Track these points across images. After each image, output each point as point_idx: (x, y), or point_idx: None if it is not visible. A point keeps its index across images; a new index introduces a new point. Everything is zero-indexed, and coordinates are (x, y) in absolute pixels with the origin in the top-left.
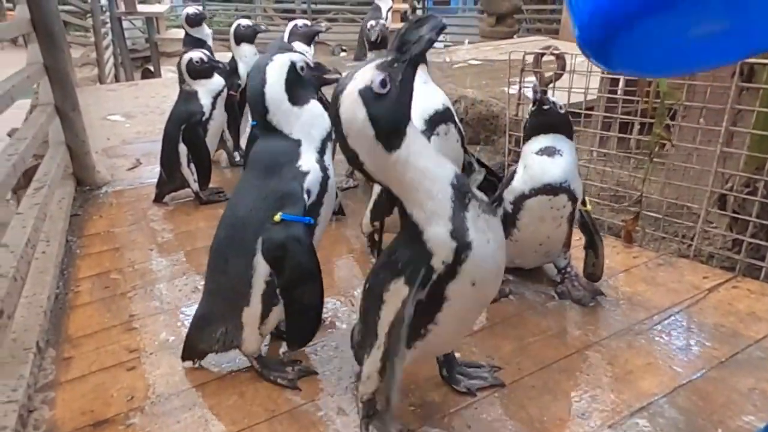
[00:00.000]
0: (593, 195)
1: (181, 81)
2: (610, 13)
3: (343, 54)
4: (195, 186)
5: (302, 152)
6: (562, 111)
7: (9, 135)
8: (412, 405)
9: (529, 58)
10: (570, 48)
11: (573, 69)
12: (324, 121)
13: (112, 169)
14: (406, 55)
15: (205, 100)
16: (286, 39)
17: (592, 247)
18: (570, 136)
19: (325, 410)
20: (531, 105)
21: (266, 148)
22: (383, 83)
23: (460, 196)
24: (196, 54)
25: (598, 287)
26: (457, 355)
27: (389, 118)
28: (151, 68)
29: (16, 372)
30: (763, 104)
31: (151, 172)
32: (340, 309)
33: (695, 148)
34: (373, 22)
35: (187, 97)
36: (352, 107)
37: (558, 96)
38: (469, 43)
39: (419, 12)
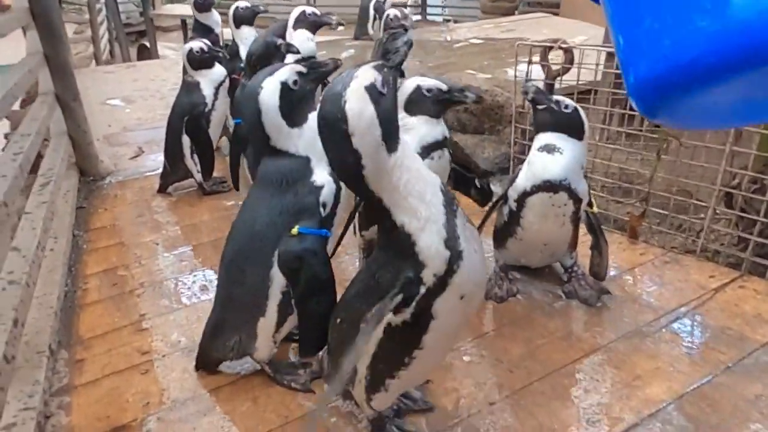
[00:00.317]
0: (597, 187)
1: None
2: (666, 80)
3: (341, 28)
4: (198, 177)
5: (313, 167)
6: (568, 110)
7: (8, 118)
8: (424, 412)
9: (535, 49)
10: (572, 27)
11: (581, 63)
12: None
13: (115, 158)
14: (390, 62)
15: (207, 91)
16: (291, 24)
17: (597, 248)
18: (576, 135)
19: (338, 417)
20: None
21: (277, 168)
22: (384, 83)
23: (449, 201)
24: (196, 44)
25: (604, 286)
26: None
27: (391, 119)
28: (147, 44)
29: (32, 377)
30: None
31: (154, 161)
32: None
33: (704, 146)
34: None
35: (189, 88)
36: (360, 104)
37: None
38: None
39: None
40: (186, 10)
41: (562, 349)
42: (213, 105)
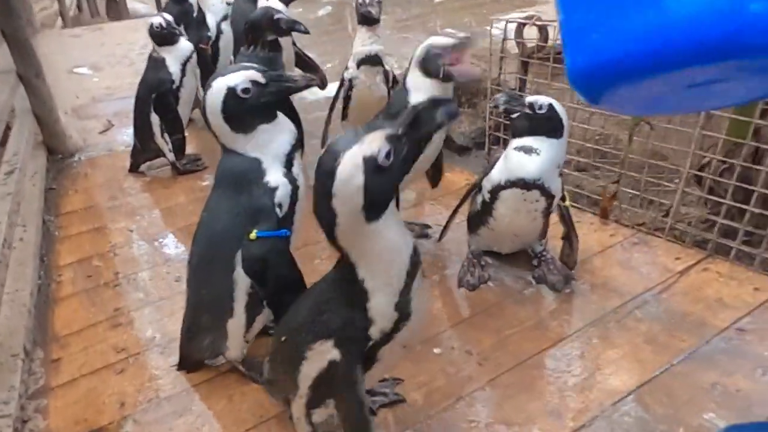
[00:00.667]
0: (573, 151)
1: None
2: (607, 68)
3: None
4: (171, 156)
5: (266, 168)
6: (542, 111)
7: None
8: (393, 405)
9: (511, 26)
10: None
11: (556, 40)
12: (287, 137)
13: (84, 133)
14: (415, 133)
15: (173, 68)
16: None
17: (568, 239)
18: (554, 135)
19: None
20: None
21: (231, 167)
22: (388, 155)
23: (414, 266)
24: (156, 19)
25: (571, 273)
26: None
27: (381, 193)
28: None
29: (7, 382)
30: None
31: (124, 135)
32: None
33: (675, 130)
34: None
35: (156, 64)
36: (351, 171)
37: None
38: None
39: None
40: None
41: (532, 338)
42: (181, 82)
